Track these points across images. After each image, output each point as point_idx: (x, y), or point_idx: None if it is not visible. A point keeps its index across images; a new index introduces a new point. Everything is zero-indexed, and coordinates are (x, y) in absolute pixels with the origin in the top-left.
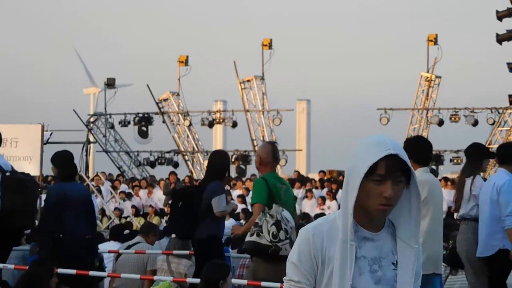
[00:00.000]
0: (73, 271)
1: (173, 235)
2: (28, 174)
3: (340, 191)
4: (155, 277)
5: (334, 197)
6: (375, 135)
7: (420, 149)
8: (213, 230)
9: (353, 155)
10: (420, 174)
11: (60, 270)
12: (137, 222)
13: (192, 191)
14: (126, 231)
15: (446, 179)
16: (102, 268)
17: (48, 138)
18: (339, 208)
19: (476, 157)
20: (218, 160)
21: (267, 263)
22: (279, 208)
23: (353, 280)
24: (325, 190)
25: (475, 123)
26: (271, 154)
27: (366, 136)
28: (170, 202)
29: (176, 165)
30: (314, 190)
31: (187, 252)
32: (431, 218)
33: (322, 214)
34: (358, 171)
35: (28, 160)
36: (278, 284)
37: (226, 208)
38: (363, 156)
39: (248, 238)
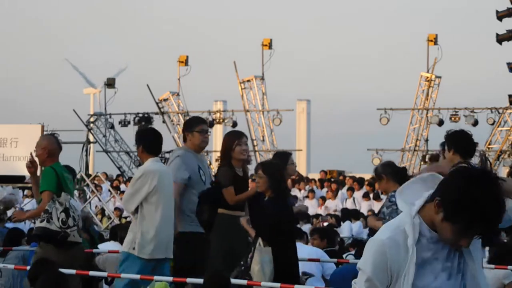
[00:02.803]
0: (73, 271)
1: None
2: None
3: (340, 191)
4: (155, 277)
5: (335, 197)
6: None
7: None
8: None
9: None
10: (149, 164)
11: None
12: None
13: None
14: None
15: None
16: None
17: None
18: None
19: None
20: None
21: (57, 248)
22: (67, 196)
23: (429, 286)
24: (325, 190)
25: (475, 123)
26: (57, 145)
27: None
28: None
29: None
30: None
31: None
32: (164, 204)
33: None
34: None
35: None
36: (278, 284)
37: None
38: None
39: (38, 224)
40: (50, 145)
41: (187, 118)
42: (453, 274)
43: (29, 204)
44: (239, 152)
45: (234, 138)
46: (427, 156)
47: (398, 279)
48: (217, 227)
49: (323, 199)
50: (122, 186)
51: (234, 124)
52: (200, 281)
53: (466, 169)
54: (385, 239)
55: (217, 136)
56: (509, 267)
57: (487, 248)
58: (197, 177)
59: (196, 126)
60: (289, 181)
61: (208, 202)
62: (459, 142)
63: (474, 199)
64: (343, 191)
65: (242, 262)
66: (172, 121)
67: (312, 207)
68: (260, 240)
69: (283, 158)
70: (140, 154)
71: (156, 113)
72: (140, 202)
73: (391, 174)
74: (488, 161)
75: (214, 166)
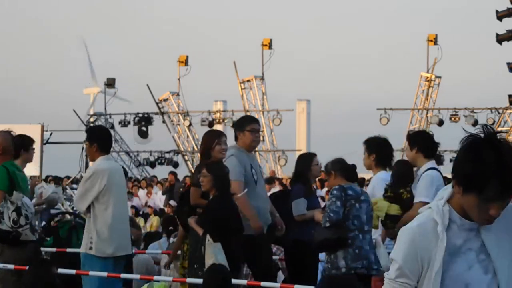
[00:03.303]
0: (73, 271)
1: None
2: None
3: None
4: (155, 277)
5: None
6: None
7: None
8: (297, 234)
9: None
10: (99, 163)
11: (60, 270)
12: (137, 222)
13: (280, 195)
14: None
15: (446, 179)
16: None
17: (48, 138)
18: None
19: None
20: (300, 163)
21: (11, 247)
22: (19, 194)
23: (463, 275)
24: (325, 189)
25: (475, 123)
26: (11, 143)
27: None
28: (170, 202)
29: (176, 165)
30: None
31: None
32: (115, 203)
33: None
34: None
35: None
36: (278, 284)
37: (305, 212)
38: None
39: None
40: (4, 142)
41: (241, 117)
42: (489, 269)
43: None
44: (218, 151)
45: (213, 138)
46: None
47: (430, 268)
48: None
49: (323, 199)
50: None
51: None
52: (200, 281)
53: (467, 139)
54: (415, 226)
55: None
56: None
57: None
58: (250, 177)
59: (247, 125)
60: (317, 182)
61: (188, 202)
62: (422, 141)
63: (482, 156)
64: None
65: (195, 265)
66: (172, 121)
67: None
68: (208, 237)
69: (307, 159)
70: (92, 152)
71: (156, 113)
72: (91, 201)
73: (340, 171)
74: (488, 128)
75: None
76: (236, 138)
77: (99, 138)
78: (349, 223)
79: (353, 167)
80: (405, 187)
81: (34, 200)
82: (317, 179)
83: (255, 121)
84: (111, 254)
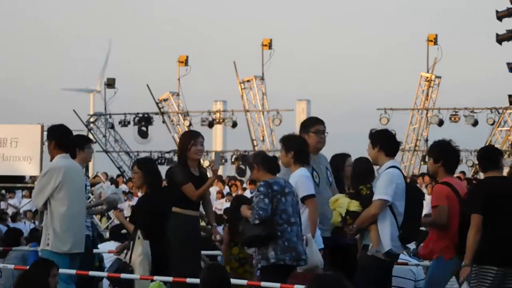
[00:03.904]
0: (73, 271)
1: None
2: None
3: None
4: (155, 277)
5: None
6: None
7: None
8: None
9: None
10: (57, 161)
11: (60, 270)
12: None
13: None
14: (124, 231)
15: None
16: (102, 268)
17: None
18: None
19: None
20: (333, 163)
21: None
22: None
23: None
24: None
25: (475, 123)
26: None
27: None
28: None
29: None
30: None
31: None
32: (71, 200)
33: None
34: None
35: (28, 160)
36: (278, 284)
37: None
38: None
39: None
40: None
41: (306, 118)
42: None
43: (28, 205)
44: (194, 152)
45: (190, 138)
46: (427, 157)
47: None
48: (172, 226)
49: None
50: (123, 186)
51: (234, 124)
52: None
53: None
54: None
55: (217, 136)
56: None
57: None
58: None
59: (311, 127)
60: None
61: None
62: (384, 140)
63: None
64: None
65: (123, 258)
66: (172, 121)
67: None
68: (139, 233)
69: (340, 160)
70: (52, 150)
71: (156, 113)
72: (47, 198)
73: (262, 163)
74: None
75: None
76: None
77: (57, 136)
78: (277, 218)
79: (274, 158)
80: (365, 183)
81: (92, 200)
82: None
83: (320, 122)
84: (67, 251)
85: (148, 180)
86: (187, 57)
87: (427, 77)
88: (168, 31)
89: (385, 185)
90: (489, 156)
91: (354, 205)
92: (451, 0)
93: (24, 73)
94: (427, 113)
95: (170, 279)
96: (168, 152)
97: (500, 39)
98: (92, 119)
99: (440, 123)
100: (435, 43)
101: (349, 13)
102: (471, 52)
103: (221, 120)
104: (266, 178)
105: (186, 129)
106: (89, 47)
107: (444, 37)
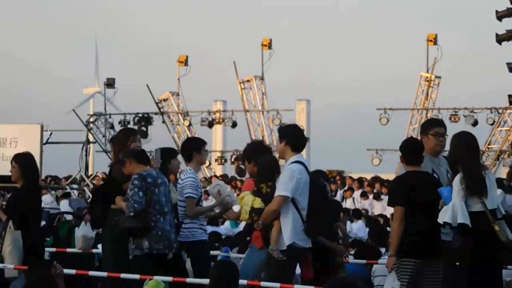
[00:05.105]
0: (73, 271)
1: None
2: None
3: (339, 192)
4: (155, 277)
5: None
6: None
7: None
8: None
9: None
10: None
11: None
12: None
13: None
14: None
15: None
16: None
17: (48, 138)
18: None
19: None
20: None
21: None
22: None
23: None
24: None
25: (475, 123)
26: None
27: None
28: None
29: None
30: None
31: None
32: None
33: None
34: None
35: None
36: (278, 284)
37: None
38: None
39: None
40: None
41: (426, 120)
42: None
43: None
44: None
45: (129, 135)
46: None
47: None
48: (110, 223)
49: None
50: None
51: (234, 124)
52: (199, 281)
53: None
54: None
55: (217, 136)
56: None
57: None
58: None
59: (430, 129)
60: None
61: (101, 198)
62: (291, 135)
63: None
64: (341, 192)
65: None
66: (172, 121)
67: None
68: (11, 223)
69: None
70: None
71: (156, 113)
72: None
73: (132, 157)
74: None
75: (213, 166)
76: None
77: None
78: (151, 209)
79: (143, 151)
80: (267, 181)
81: (209, 202)
82: None
83: (439, 124)
84: None
85: (24, 174)
86: (187, 57)
87: (427, 77)
88: (168, 31)
89: (285, 181)
90: (413, 151)
91: (258, 202)
92: (451, 0)
93: (24, 73)
94: (427, 113)
95: (170, 279)
96: None
97: (500, 39)
98: (92, 119)
99: None
100: (435, 43)
101: (349, 13)
102: (471, 52)
103: (221, 120)
104: (139, 170)
105: (186, 129)
106: (89, 47)
107: (444, 37)
